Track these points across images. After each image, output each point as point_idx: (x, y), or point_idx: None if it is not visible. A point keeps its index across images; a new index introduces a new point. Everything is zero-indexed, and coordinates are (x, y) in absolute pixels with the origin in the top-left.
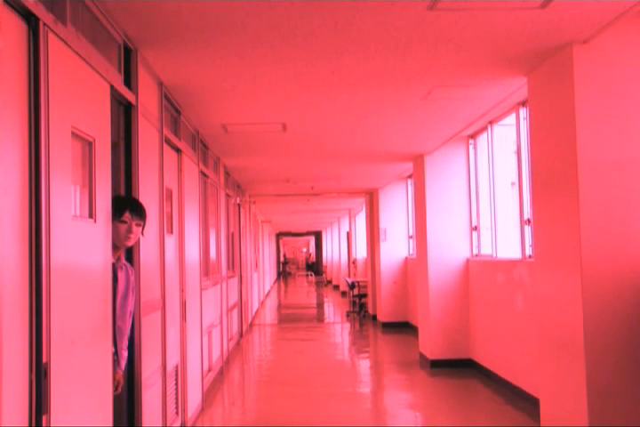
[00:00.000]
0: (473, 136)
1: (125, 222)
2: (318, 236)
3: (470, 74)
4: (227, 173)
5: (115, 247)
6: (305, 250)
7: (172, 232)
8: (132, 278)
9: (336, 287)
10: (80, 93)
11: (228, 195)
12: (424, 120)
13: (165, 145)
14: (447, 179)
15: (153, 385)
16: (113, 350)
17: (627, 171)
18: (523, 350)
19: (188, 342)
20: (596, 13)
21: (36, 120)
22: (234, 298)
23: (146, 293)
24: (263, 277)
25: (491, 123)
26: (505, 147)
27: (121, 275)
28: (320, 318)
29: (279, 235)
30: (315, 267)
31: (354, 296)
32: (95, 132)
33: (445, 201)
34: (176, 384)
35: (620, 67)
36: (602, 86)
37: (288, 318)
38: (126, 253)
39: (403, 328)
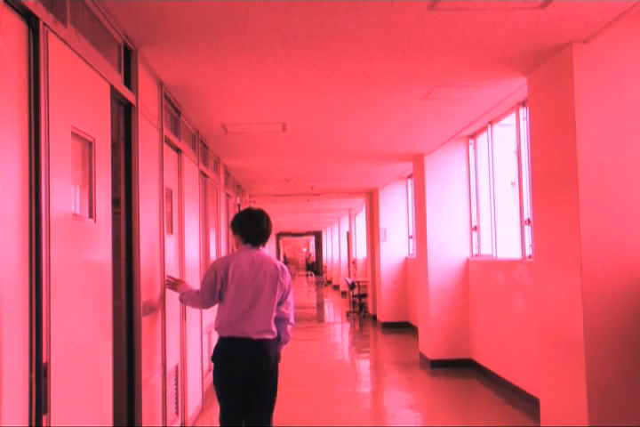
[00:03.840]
0: (473, 136)
1: None
2: (318, 236)
3: (470, 74)
4: (227, 173)
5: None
6: (305, 250)
7: (171, 232)
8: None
9: (336, 287)
10: (80, 93)
11: (228, 195)
12: (424, 120)
13: (165, 145)
14: (447, 179)
15: (153, 385)
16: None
17: (626, 170)
18: (523, 350)
19: (187, 342)
20: (596, 13)
21: (36, 120)
22: None
23: (146, 293)
24: None
25: (491, 123)
26: (505, 147)
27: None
28: (320, 317)
29: (279, 235)
30: (315, 267)
31: (354, 296)
32: (95, 132)
33: (445, 201)
34: (176, 384)
35: (620, 67)
36: (602, 86)
37: None
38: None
39: (403, 328)
